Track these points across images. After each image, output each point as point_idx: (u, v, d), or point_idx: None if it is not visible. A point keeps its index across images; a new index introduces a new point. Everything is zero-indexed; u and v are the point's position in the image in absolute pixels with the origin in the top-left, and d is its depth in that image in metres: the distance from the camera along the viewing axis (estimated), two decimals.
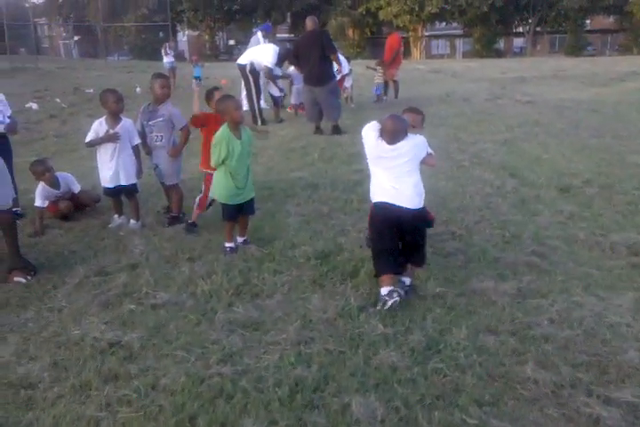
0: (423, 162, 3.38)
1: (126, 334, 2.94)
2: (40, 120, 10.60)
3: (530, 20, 43.85)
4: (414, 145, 3.29)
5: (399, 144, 3.22)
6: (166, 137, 4.61)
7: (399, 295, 3.08)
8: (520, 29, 45.84)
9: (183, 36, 50.64)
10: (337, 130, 8.57)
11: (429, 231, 4.33)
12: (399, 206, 3.21)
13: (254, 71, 9.70)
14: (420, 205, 3.30)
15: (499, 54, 42.31)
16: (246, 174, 3.96)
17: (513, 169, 6.09)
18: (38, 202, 4.62)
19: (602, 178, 5.71)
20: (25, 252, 3.89)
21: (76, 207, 4.93)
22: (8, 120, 4.71)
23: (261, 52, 9.71)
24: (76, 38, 44.52)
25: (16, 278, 3.58)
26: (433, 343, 2.79)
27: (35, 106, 12.09)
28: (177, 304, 3.28)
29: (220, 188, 3.94)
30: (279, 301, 3.29)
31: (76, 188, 4.93)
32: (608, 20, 45.67)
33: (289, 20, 46.21)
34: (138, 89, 14.61)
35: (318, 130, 8.69)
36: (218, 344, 2.81)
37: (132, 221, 4.63)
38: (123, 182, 4.51)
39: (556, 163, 6.41)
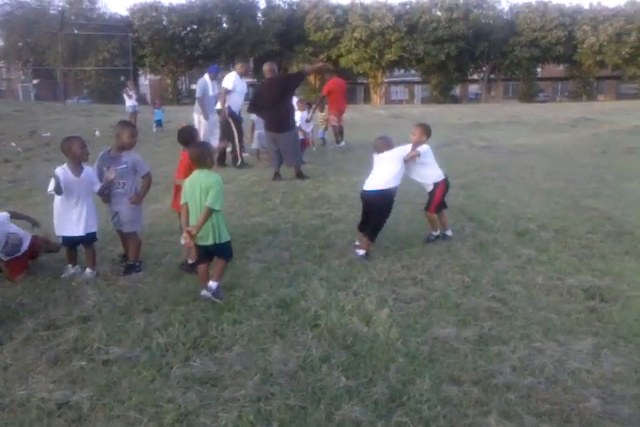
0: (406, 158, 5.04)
1: (75, 393, 2.78)
2: None
3: (484, 68, 45.97)
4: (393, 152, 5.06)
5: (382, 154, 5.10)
6: (129, 184, 4.53)
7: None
8: (475, 76, 47.94)
9: (145, 80, 50.96)
10: (300, 175, 8.60)
11: (393, 275, 4.37)
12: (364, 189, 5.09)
13: (233, 113, 9.92)
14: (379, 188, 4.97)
15: (455, 100, 44.00)
16: None
17: (471, 213, 6.21)
18: None
19: (557, 222, 5.86)
20: None
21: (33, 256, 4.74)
22: None
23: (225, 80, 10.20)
24: (34, 82, 44.26)
25: None
26: (396, 395, 2.72)
27: None
28: (130, 360, 3.13)
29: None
30: (238, 353, 3.19)
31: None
32: (558, 69, 48.23)
33: (252, 65, 47.19)
34: (97, 133, 14.50)
35: (277, 175, 8.68)
36: (173, 403, 2.68)
37: (87, 270, 4.46)
38: (82, 233, 4.36)
39: (513, 207, 6.57)
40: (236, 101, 10.18)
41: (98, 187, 4.42)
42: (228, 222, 5.87)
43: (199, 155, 3.90)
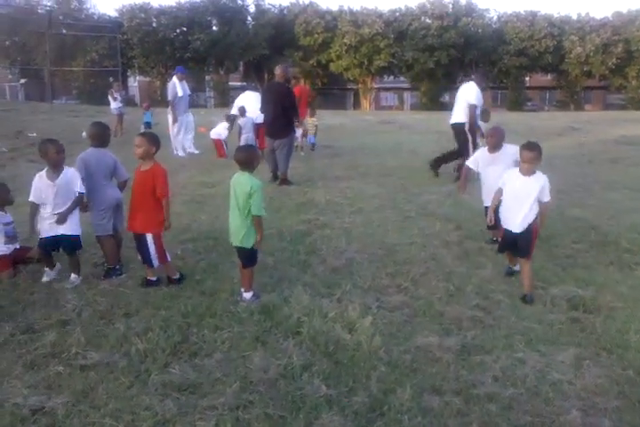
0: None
1: (51, 398, 2.73)
2: None
3: (473, 76, 46.26)
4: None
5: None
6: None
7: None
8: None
9: (134, 82, 50.68)
10: (285, 182, 8.57)
11: (377, 282, 4.34)
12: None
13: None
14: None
15: (445, 107, 44.18)
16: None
17: (457, 221, 6.21)
18: None
19: (542, 231, 5.85)
20: None
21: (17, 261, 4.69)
22: None
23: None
24: (22, 81, 43.87)
25: None
26: (377, 405, 2.70)
27: None
28: (108, 365, 3.08)
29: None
30: (218, 360, 3.15)
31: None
32: (546, 78, 48.68)
33: (241, 68, 47.12)
34: (84, 133, 14.35)
35: (274, 177, 8.69)
36: (150, 410, 2.63)
37: (72, 276, 4.36)
38: (62, 231, 4.29)
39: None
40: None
41: (80, 189, 4.33)
42: (214, 226, 5.87)
43: (246, 157, 3.94)
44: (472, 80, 8.78)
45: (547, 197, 4.02)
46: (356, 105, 47.91)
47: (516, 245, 4.14)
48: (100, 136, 4.59)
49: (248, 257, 4.03)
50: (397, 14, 43.48)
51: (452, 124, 8.87)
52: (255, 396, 2.77)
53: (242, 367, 3.06)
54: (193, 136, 12.30)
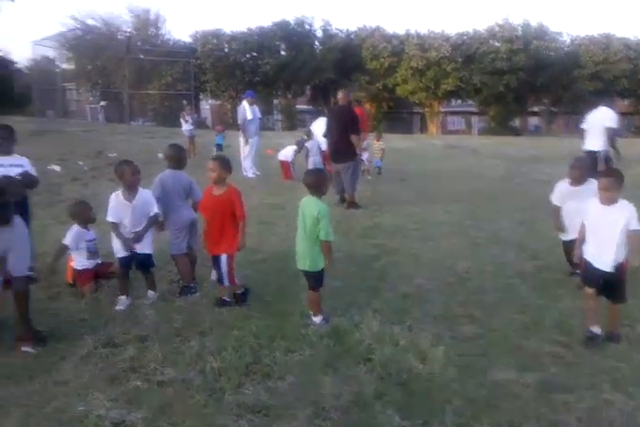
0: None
1: (131, 413, 2.82)
2: (62, 183, 10.79)
3: (545, 101, 45.14)
4: None
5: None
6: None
7: None
8: (535, 109, 47.09)
9: (206, 105, 52.61)
10: (353, 205, 8.60)
11: (448, 311, 4.25)
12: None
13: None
14: None
15: (514, 132, 43.24)
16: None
17: (532, 250, 6.01)
18: (67, 241, 4.74)
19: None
20: (36, 317, 3.81)
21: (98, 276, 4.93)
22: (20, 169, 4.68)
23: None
24: (102, 103, 46.39)
25: (24, 348, 3.50)
26: None
27: (57, 168, 12.32)
28: (184, 382, 3.16)
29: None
30: (290, 383, 3.16)
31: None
32: (623, 103, 46.89)
33: (308, 92, 48.03)
34: (160, 154, 14.97)
35: (341, 200, 8.77)
36: None
37: (149, 292, 4.54)
38: (137, 250, 4.46)
39: None
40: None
41: (155, 210, 4.50)
42: (282, 247, 5.94)
43: (315, 182, 4.02)
44: (604, 105, 8.99)
45: (635, 226, 3.60)
46: (423, 129, 47.66)
47: (604, 284, 3.75)
48: (177, 158, 4.78)
49: (316, 279, 4.08)
50: (465, 37, 43.23)
51: (586, 151, 9.00)
52: (328, 423, 2.76)
53: (313, 392, 3.06)
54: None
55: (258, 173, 12.34)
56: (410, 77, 42.72)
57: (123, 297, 4.46)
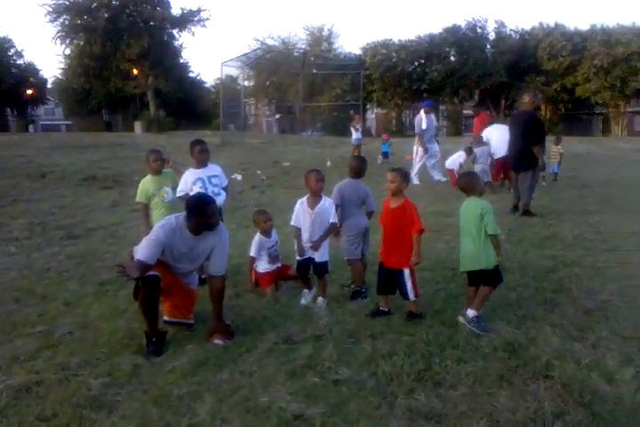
0: None
1: (309, 407, 2.99)
2: (243, 190, 11.76)
3: None
4: None
5: None
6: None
7: None
8: None
9: (372, 114, 53.66)
10: (527, 213, 8.18)
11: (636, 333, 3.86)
12: None
13: None
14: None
15: None
16: None
17: None
18: (253, 252, 5.15)
19: None
20: (224, 313, 4.22)
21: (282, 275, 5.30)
22: (223, 193, 5.34)
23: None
24: (277, 116, 49.62)
25: (216, 341, 3.89)
26: None
27: (239, 177, 13.45)
28: (358, 383, 3.27)
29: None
30: (463, 393, 3.12)
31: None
32: None
33: (476, 96, 46.66)
34: (328, 163, 15.63)
35: (514, 208, 8.45)
36: None
37: (319, 299, 4.71)
38: (314, 257, 4.64)
39: None
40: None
41: (333, 219, 4.67)
42: (450, 255, 5.84)
43: (466, 183, 4.17)
44: None
45: None
46: (605, 131, 43.67)
47: None
48: (358, 169, 4.95)
49: (495, 274, 4.06)
50: None
51: None
52: None
53: (487, 405, 2.99)
54: (436, 163, 12.56)
55: (443, 178, 12.22)
56: (592, 76, 39.48)
57: (306, 291, 4.77)
